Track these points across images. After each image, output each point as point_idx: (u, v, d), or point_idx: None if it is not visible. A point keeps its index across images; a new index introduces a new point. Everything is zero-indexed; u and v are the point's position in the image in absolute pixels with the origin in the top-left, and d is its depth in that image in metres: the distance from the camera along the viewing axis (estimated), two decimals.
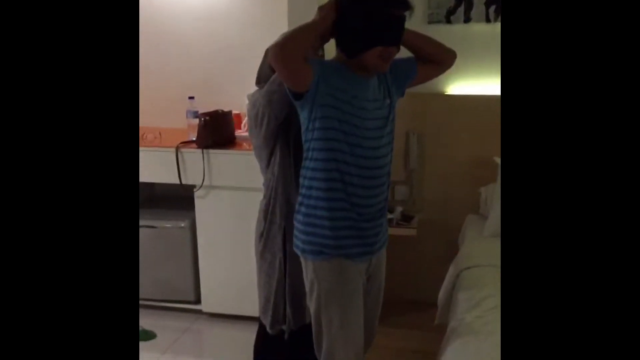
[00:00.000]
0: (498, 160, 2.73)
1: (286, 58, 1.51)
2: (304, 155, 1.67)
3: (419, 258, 3.08)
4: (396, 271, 2.85)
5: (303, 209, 1.68)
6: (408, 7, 1.57)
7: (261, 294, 2.02)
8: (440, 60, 1.78)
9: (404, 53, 1.71)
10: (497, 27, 2.85)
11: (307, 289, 1.73)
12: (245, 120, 3.05)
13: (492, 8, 2.82)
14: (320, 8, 1.60)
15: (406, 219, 2.88)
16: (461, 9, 2.85)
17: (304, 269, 1.74)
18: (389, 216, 2.71)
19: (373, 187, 1.67)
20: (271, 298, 1.97)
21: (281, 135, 1.85)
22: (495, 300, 1.84)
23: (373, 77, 1.66)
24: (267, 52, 1.88)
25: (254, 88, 1.97)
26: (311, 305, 1.71)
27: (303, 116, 1.64)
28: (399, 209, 2.92)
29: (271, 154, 1.88)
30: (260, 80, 1.92)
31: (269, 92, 1.78)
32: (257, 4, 3.11)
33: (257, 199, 2.06)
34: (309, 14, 2.45)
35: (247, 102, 1.92)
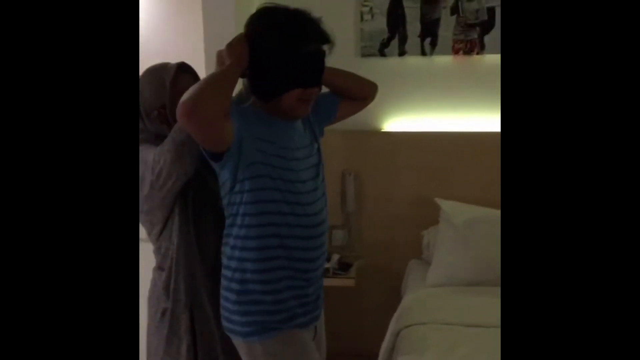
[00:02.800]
0: (440, 201, 2.55)
1: (204, 119, 1.21)
2: (228, 221, 1.40)
3: (359, 308, 2.82)
4: (335, 324, 2.60)
5: (234, 286, 1.40)
6: (327, 40, 1.35)
7: None
8: (362, 95, 1.59)
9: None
10: (432, 60, 2.71)
11: None
12: None
13: (427, 40, 2.68)
14: (229, 46, 1.33)
15: (344, 267, 2.63)
16: (395, 42, 2.69)
17: (245, 356, 1.43)
18: (326, 265, 2.48)
19: (316, 247, 1.43)
20: None
21: (179, 195, 1.51)
22: None
23: (297, 121, 1.43)
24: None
25: None
26: None
27: (224, 176, 1.37)
28: (336, 256, 2.67)
29: (167, 218, 1.53)
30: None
31: (176, 143, 1.41)
32: (171, 27, 2.84)
33: None
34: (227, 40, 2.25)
35: None
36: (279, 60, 1.30)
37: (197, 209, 1.53)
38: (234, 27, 2.21)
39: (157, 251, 1.60)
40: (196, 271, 1.54)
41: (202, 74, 1.66)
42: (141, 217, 1.55)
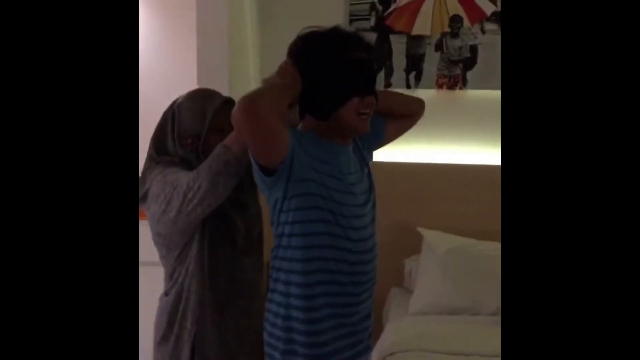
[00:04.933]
0: (422, 230, 2.60)
1: (260, 117, 1.22)
2: (274, 242, 1.38)
3: None
4: None
5: (274, 307, 1.39)
6: (371, 50, 1.39)
7: None
8: (409, 112, 1.58)
9: None
10: (416, 93, 2.79)
11: None
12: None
13: (412, 74, 2.78)
14: (279, 70, 1.36)
15: None
16: (381, 75, 2.79)
17: None
18: None
19: (365, 272, 1.42)
20: None
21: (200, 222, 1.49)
22: None
23: (349, 145, 1.43)
24: (166, 116, 1.56)
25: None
26: None
27: (275, 195, 1.34)
28: None
29: (185, 244, 1.51)
30: (160, 151, 1.53)
31: (213, 172, 1.38)
32: (165, 56, 2.90)
33: None
34: (220, 70, 2.29)
35: (154, 172, 1.51)
36: (332, 69, 1.32)
37: (214, 238, 1.51)
38: (227, 53, 2.27)
39: (169, 277, 1.58)
40: (205, 300, 1.52)
41: None
42: (158, 239, 1.53)
